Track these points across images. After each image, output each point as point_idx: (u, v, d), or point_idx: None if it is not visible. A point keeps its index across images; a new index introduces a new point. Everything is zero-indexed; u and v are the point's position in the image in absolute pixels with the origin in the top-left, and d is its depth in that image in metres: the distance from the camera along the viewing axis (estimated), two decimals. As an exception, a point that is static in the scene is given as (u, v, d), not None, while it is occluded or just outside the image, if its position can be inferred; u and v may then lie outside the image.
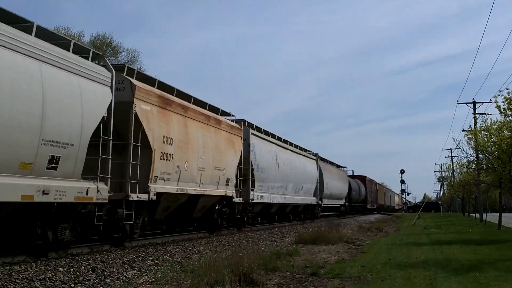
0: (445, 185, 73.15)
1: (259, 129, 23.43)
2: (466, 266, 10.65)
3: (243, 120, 21.40)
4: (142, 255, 11.43)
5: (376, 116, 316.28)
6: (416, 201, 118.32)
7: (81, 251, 11.11)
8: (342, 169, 47.68)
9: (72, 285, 8.22)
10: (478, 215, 37.40)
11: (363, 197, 54.42)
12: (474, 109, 36.05)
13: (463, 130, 35.11)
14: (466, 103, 37.04)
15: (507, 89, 17.40)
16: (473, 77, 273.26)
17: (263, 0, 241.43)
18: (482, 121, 23.79)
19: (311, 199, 31.93)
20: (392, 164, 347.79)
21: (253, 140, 21.38)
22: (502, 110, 17.87)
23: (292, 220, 30.32)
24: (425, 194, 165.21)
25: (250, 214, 21.43)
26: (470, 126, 28.40)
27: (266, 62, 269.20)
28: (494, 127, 19.91)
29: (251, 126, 22.22)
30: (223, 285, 8.08)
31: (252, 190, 20.66)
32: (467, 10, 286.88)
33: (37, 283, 7.93)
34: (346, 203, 44.85)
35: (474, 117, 34.02)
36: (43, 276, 8.33)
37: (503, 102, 17.46)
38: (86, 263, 9.66)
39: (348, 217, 43.40)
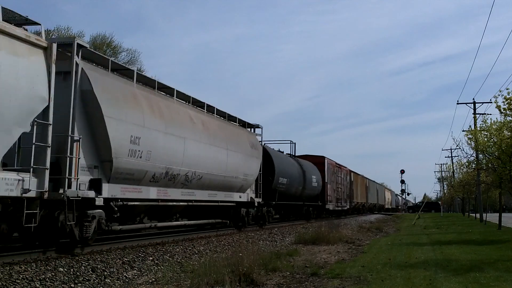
0: (445, 185, 73.22)
1: None
2: (466, 266, 10.65)
3: None
4: (142, 255, 11.43)
5: (376, 116, 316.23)
6: (416, 201, 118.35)
7: (81, 251, 11.11)
8: (250, 130, 22.24)
9: (72, 285, 8.23)
10: (478, 215, 37.41)
11: (317, 191, 32.75)
12: (474, 109, 36.12)
13: (463, 130, 35.19)
14: (466, 103, 37.17)
15: (507, 89, 17.39)
16: (473, 77, 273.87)
17: (263, 0, 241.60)
18: (482, 121, 23.84)
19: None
20: (392, 164, 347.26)
21: None
22: (502, 110, 17.86)
23: None
24: (425, 194, 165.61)
25: None
26: (470, 126, 28.50)
27: (266, 62, 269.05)
28: (494, 127, 19.93)
29: None
30: (223, 285, 8.08)
31: None
32: (467, 11, 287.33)
33: (37, 283, 7.93)
34: (259, 201, 21.97)
35: (474, 117, 34.12)
36: (43, 276, 8.33)
37: (503, 102, 17.46)
38: (86, 263, 9.65)
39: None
